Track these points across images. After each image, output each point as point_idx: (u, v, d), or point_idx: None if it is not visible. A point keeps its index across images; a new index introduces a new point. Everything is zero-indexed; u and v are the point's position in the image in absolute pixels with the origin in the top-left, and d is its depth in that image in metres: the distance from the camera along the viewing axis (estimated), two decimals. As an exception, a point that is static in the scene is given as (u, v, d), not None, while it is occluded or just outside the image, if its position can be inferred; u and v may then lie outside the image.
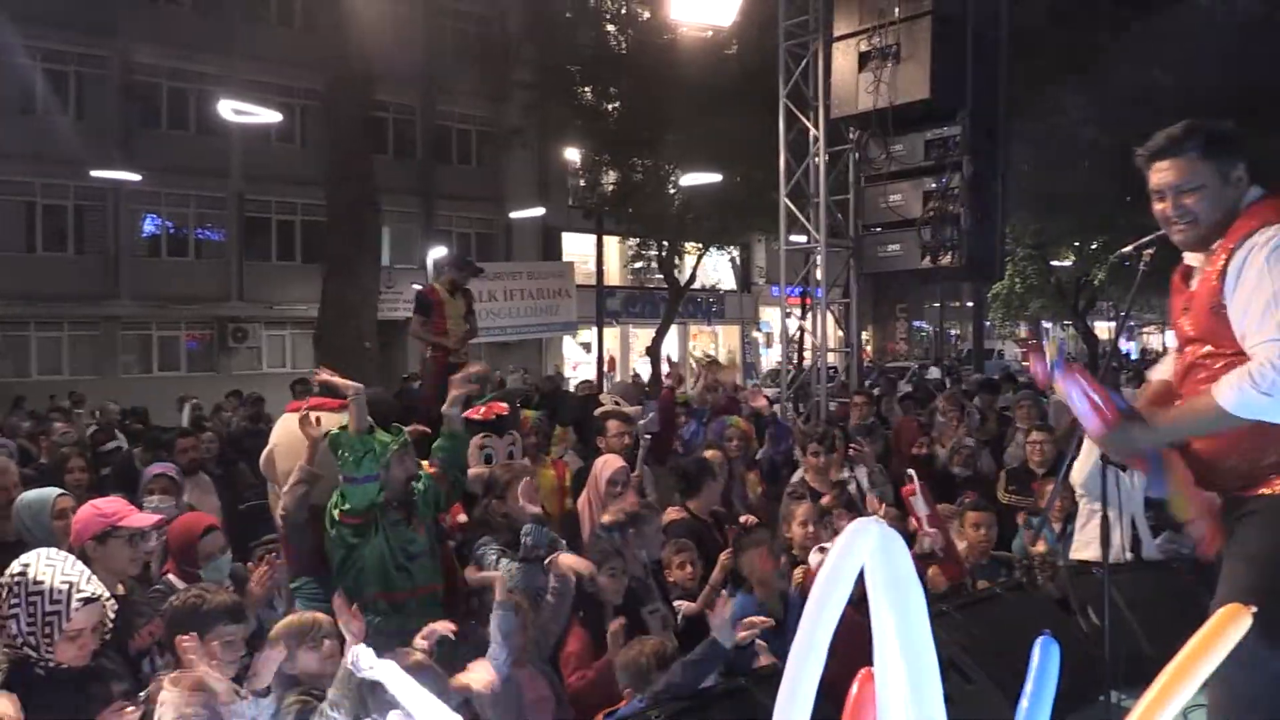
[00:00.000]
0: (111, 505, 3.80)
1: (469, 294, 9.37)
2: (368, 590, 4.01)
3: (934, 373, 25.20)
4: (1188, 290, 2.98)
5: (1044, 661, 1.64)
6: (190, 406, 13.11)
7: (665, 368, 21.00)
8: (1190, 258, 2.98)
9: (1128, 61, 15.12)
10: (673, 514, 5.56)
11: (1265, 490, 2.76)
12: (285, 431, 4.70)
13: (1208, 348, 2.85)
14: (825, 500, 6.09)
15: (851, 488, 6.56)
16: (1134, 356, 36.10)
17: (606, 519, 4.64)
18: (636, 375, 23.13)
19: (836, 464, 6.49)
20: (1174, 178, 2.85)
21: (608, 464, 5.61)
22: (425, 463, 4.63)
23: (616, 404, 8.00)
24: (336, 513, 4.14)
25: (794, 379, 11.60)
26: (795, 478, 6.75)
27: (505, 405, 5.89)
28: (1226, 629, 1.55)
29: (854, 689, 1.68)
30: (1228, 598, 2.33)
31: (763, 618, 3.75)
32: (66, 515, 4.22)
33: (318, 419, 4.37)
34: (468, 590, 4.46)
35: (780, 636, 4.34)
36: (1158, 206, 2.93)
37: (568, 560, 4.12)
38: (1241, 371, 2.62)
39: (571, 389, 15.53)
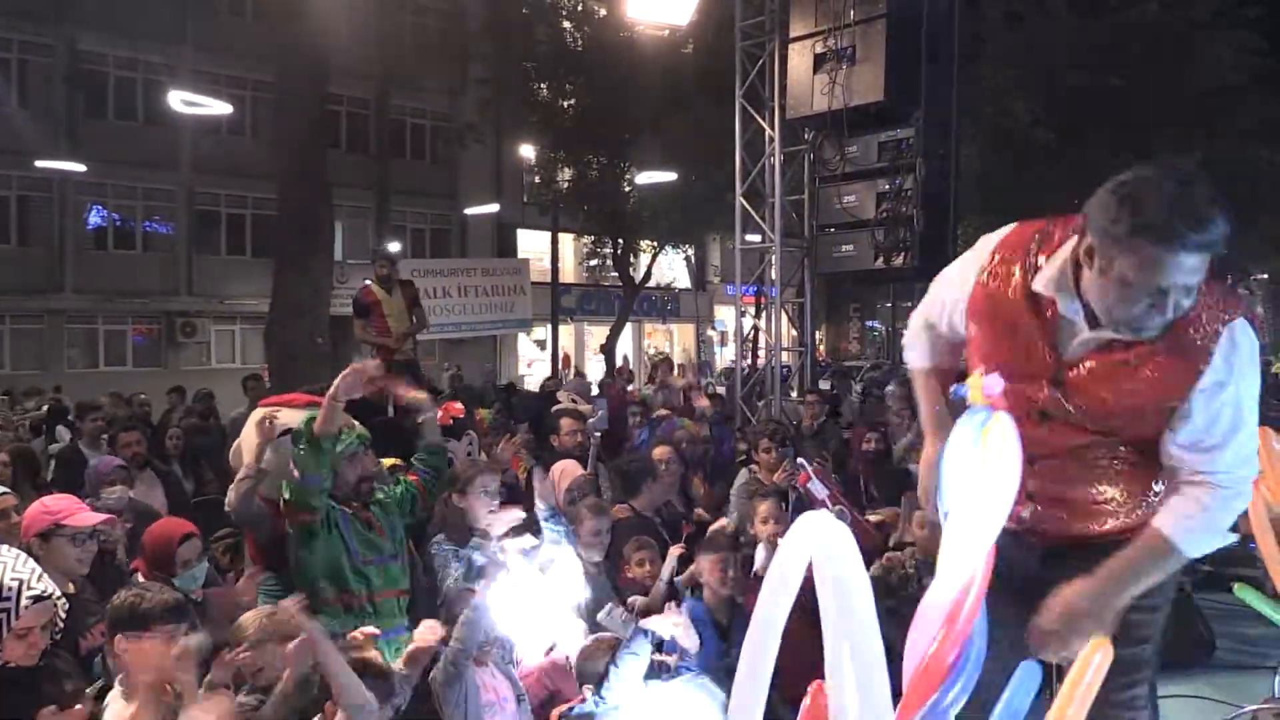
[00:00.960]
0: (59, 503, 3.75)
1: (410, 286, 9.20)
2: (323, 591, 3.92)
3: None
4: (1052, 350, 2.33)
5: (1023, 684, 1.66)
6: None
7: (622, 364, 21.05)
8: (1046, 285, 2.28)
9: (1077, 65, 15.37)
10: (620, 512, 5.59)
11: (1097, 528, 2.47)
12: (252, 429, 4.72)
13: (1111, 440, 2.36)
14: (778, 476, 6.21)
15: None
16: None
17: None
18: (580, 373, 23.05)
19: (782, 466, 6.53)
20: (1189, 278, 2.08)
21: (566, 471, 5.49)
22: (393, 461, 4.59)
23: (573, 402, 8.04)
24: (282, 504, 4.02)
25: (748, 377, 11.68)
26: (743, 477, 6.79)
27: (460, 407, 5.90)
28: (1094, 662, 1.61)
29: (806, 701, 1.69)
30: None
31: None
32: (9, 515, 4.16)
33: (271, 421, 4.34)
34: (437, 598, 4.36)
35: (728, 643, 4.40)
36: (1139, 305, 2.11)
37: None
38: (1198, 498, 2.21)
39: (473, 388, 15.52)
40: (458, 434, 5.78)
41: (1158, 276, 2.05)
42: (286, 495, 3.96)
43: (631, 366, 24.53)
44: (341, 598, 3.94)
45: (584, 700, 3.59)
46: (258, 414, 4.62)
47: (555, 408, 7.46)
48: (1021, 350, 2.36)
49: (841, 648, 1.57)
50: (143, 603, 3.02)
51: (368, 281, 9.09)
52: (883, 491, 7.08)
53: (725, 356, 34.37)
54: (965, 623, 1.63)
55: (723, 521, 5.96)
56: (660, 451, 6.16)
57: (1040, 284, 2.28)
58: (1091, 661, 1.58)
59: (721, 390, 14.33)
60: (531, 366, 30.20)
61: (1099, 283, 2.14)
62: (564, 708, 3.69)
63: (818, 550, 1.60)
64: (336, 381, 3.91)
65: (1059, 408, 2.34)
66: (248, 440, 4.64)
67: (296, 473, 3.92)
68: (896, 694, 1.66)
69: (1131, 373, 2.23)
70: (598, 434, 6.48)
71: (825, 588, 1.58)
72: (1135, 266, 2.06)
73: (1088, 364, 2.28)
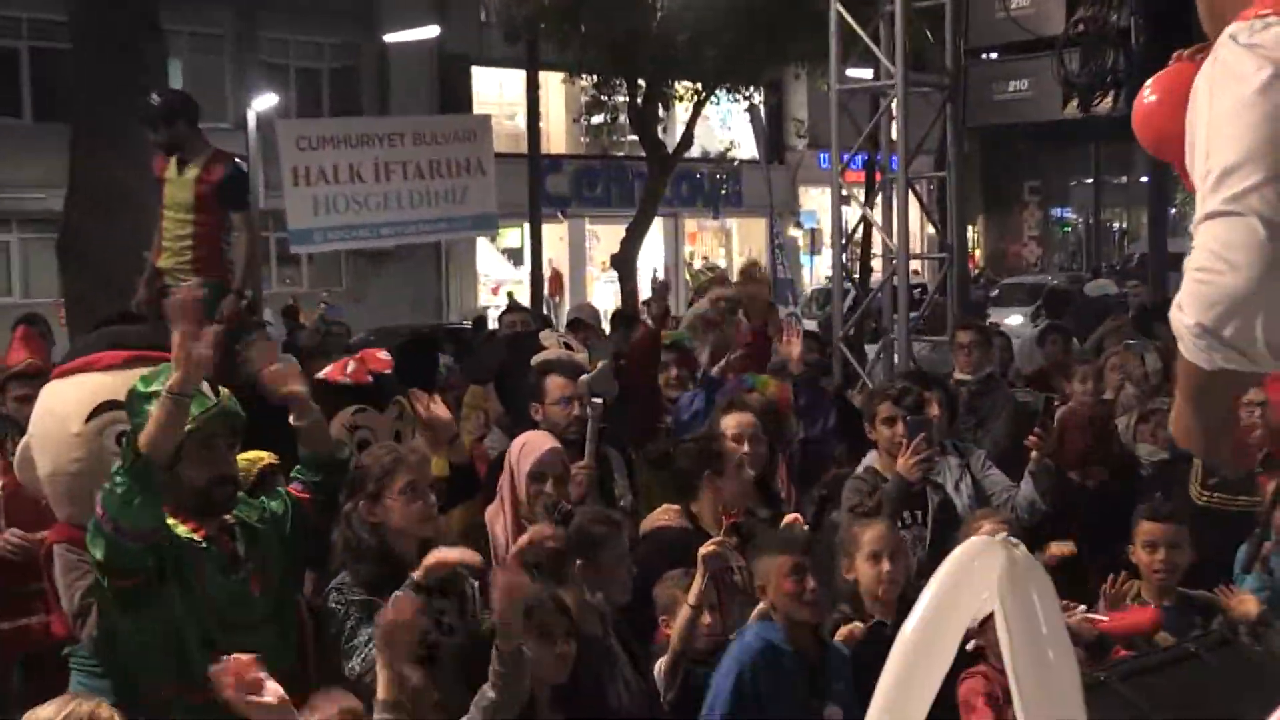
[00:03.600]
0: None
1: (222, 162, 8.85)
2: (152, 681, 3.92)
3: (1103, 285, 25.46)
4: None
5: None
6: None
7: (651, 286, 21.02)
8: None
9: None
10: (661, 518, 5.54)
11: None
12: (46, 413, 4.74)
13: None
14: (904, 465, 6.17)
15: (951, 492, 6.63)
16: None
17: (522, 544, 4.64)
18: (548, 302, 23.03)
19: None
20: None
21: (529, 446, 5.38)
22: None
23: (565, 347, 7.86)
24: (97, 554, 3.89)
25: (855, 306, 11.65)
26: (861, 468, 6.75)
27: (386, 358, 5.75)
28: None
29: None
30: None
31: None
32: None
33: None
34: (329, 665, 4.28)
35: (822, 695, 4.44)
36: None
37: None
38: None
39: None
40: (381, 401, 5.62)
41: None
42: (98, 555, 3.85)
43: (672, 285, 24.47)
44: (184, 688, 3.86)
45: None
46: (58, 386, 4.68)
47: (537, 358, 7.33)
48: None
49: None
50: None
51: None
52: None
53: (819, 272, 34.32)
54: None
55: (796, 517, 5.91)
56: (735, 421, 5.97)
57: None
58: None
59: (813, 325, 14.34)
60: (498, 293, 30.20)
61: None
62: None
63: (998, 594, 1.64)
64: (177, 372, 3.84)
65: None
66: (39, 435, 4.69)
67: (107, 520, 3.79)
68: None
69: None
70: (598, 400, 6.39)
71: (1010, 653, 1.64)
72: None
73: None
